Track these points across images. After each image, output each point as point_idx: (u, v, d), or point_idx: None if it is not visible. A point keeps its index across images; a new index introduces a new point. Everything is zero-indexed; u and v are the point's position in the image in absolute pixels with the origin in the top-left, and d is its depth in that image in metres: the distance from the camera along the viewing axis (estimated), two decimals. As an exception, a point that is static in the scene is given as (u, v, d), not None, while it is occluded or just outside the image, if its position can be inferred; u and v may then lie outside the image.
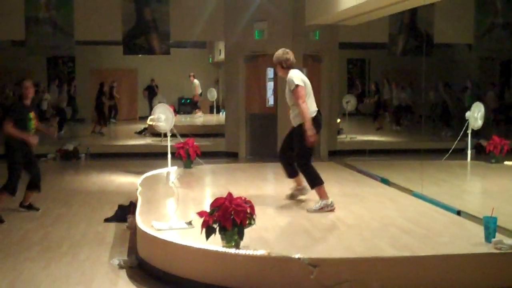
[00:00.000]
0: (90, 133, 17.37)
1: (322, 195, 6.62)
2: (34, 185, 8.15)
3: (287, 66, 6.72)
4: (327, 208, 6.54)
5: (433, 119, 18.20)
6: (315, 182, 6.65)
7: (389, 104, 19.29)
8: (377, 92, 18.98)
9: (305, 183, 6.92)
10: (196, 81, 21.83)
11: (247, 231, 4.97)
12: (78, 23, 14.41)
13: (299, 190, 7.14)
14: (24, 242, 6.66)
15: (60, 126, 17.76)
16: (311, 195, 6.92)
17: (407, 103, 18.73)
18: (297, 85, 6.52)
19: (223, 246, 4.93)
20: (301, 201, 7.11)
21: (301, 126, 6.56)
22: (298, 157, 6.73)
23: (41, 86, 17.03)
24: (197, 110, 21.62)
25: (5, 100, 17.65)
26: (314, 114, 6.62)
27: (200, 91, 21.93)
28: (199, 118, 20.77)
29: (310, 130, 6.42)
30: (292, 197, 7.16)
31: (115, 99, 20.69)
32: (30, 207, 8.25)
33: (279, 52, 6.80)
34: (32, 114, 7.87)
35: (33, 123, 7.88)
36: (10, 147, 7.77)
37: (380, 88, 19.25)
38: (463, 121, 10.40)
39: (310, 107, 6.61)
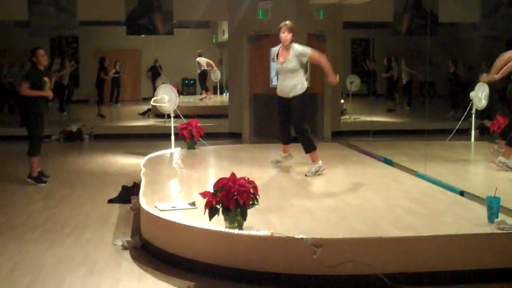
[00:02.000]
0: (97, 116, 17.31)
1: (315, 159, 7.39)
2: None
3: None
4: (321, 170, 7.36)
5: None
6: (312, 147, 7.38)
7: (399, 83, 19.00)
8: (390, 68, 18.65)
9: (291, 150, 7.78)
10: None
11: (250, 211, 4.98)
12: (81, 3, 14.35)
13: (286, 157, 7.82)
14: (28, 224, 6.69)
15: (62, 104, 17.82)
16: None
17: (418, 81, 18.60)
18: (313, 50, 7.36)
19: (226, 227, 4.94)
20: (304, 181, 7.11)
21: (300, 97, 7.27)
22: (298, 125, 7.35)
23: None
24: (203, 92, 21.33)
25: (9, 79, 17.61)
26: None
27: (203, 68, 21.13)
28: (205, 99, 20.53)
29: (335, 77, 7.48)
30: (277, 163, 7.87)
31: (120, 80, 20.70)
32: (40, 177, 8.69)
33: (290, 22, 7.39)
34: (46, 78, 8.62)
35: (48, 86, 8.63)
36: (30, 108, 8.48)
37: (393, 66, 18.85)
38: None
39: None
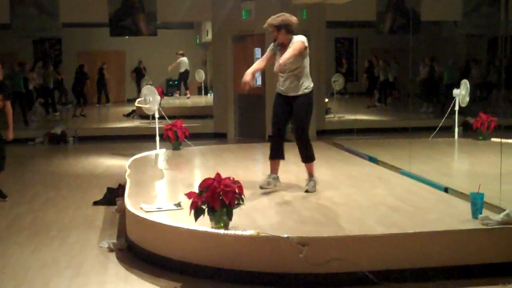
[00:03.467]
0: (72, 117, 17.26)
1: (312, 171, 6.55)
2: None
3: (290, 30, 6.33)
4: (317, 183, 6.54)
5: (418, 96, 18.10)
6: (312, 157, 6.49)
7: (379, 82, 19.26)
8: (370, 69, 18.87)
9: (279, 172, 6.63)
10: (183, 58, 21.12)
11: (235, 211, 4.98)
12: (63, 5, 14.28)
13: (275, 179, 6.62)
14: (13, 227, 6.65)
15: (48, 107, 17.71)
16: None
17: (392, 80, 18.88)
18: (306, 47, 6.23)
19: (212, 227, 4.94)
20: (290, 181, 7.11)
21: (307, 96, 6.31)
22: (302, 129, 6.37)
23: (26, 66, 16.88)
24: (187, 92, 21.33)
25: None
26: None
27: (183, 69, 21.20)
28: (187, 99, 20.55)
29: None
30: (268, 184, 6.54)
31: (106, 82, 20.69)
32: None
33: (286, 14, 6.42)
34: None
35: None
36: None
37: (375, 66, 19.15)
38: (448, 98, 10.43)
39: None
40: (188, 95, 20.98)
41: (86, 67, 18.48)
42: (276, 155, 6.54)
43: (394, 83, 19.14)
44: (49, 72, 18.05)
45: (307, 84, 6.38)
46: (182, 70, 20.81)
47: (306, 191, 6.44)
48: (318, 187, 6.68)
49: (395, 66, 19.17)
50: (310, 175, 6.56)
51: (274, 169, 6.61)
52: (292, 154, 8.66)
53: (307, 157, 6.50)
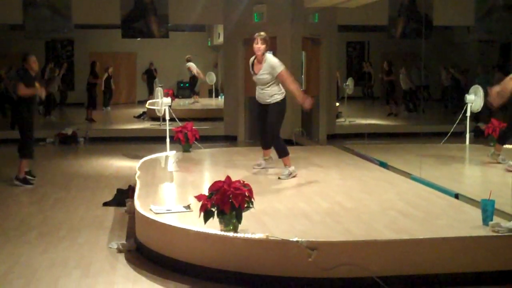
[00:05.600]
0: (84, 120, 17.17)
1: (287, 163, 7.49)
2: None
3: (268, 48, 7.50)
4: (293, 174, 7.43)
5: (445, 105, 17.79)
6: (283, 153, 7.51)
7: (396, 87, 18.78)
8: (390, 73, 18.45)
9: (272, 154, 7.84)
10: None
11: (245, 214, 4.97)
12: (76, 6, 14.33)
13: (267, 160, 7.97)
14: (22, 227, 6.67)
15: (50, 109, 17.72)
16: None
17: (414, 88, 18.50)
18: (284, 69, 7.35)
19: (222, 230, 4.94)
20: (300, 185, 7.11)
21: (279, 104, 7.43)
22: (272, 130, 7.51)
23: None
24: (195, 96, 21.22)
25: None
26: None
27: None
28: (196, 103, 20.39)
29: (307, 99, 7.52)
30: (259, 165, 7.97)
31: (111, 84, 20.57)
32: (26, 179, 8.78)
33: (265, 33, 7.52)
34: (37, 84, 8.84)
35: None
36: (22, 111, 8.68)
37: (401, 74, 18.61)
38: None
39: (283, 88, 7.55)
40: (194, 100, 20.80)
41: (98, 65, 18.35)
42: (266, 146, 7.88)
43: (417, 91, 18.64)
44: (55, 77, 18.03)
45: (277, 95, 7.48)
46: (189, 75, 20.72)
47: (279, 178, 7.39)
48: (328, 191, 6.67)
49: (419, 73, 18.67)
50: (285, 165, 7.54)
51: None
52: (301, 159, 8.67)
53: (279, 153, 7.57)
